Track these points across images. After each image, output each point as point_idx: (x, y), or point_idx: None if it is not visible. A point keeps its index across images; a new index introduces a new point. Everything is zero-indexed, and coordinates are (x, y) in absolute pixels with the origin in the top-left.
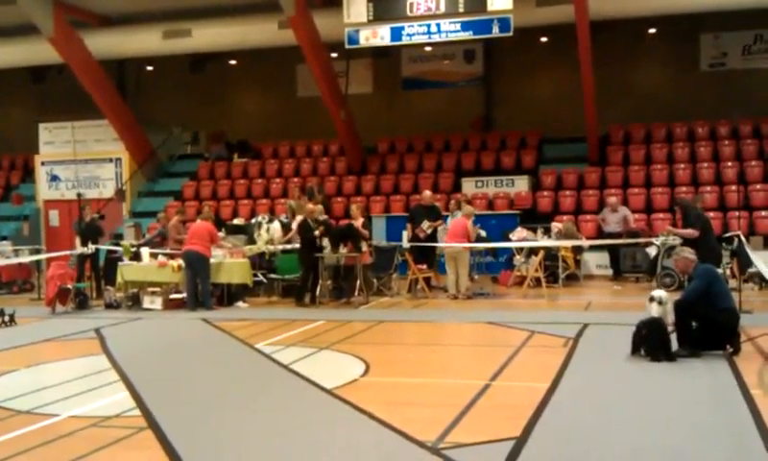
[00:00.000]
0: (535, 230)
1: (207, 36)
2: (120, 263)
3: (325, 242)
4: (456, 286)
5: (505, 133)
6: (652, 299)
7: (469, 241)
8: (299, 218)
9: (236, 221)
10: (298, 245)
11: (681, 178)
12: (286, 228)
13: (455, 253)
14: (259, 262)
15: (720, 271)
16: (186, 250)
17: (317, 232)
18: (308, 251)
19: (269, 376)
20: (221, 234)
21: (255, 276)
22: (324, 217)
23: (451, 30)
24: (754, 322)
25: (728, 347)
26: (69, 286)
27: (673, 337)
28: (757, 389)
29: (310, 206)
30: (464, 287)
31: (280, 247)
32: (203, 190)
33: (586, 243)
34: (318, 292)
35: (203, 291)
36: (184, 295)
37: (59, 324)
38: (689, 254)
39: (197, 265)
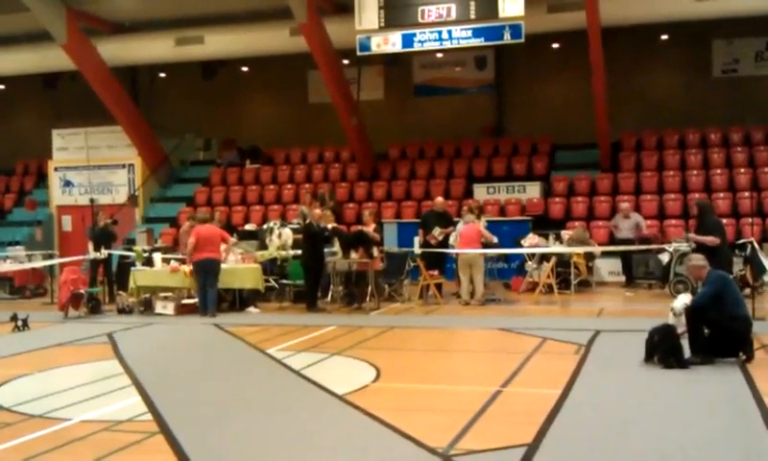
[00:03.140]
0: (546, 237)
1: (219, 43)
2: (132, 268)
3: (336, 247)
4: (469, 293)
5: (516, 139)
6: (672, 310)
7: (483, 246)
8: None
9: (248, 227)
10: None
11: (693, 184)
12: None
13: (470, 259)
14: (271, 268)
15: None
16: (202, 258)
17: (329, 226)
18: (313, 255)
19: (280, 382)
20: (233, 240)
21: (267, 281)
22: (333, 225)
23: (463, 36)
24: (767, 329)
25: (741, 354)
26: (82, 291)
27: (687, 345)
28: None
29: (317, 211)
30: (479, 293)
31: (292, 253)
32: (215, 196)
33: (598, 249)
34: (329, 297)
35: (210, 296)
36: (196, 300)
37: (71, 328)
38: (697, 260)
39: (210, 271)
